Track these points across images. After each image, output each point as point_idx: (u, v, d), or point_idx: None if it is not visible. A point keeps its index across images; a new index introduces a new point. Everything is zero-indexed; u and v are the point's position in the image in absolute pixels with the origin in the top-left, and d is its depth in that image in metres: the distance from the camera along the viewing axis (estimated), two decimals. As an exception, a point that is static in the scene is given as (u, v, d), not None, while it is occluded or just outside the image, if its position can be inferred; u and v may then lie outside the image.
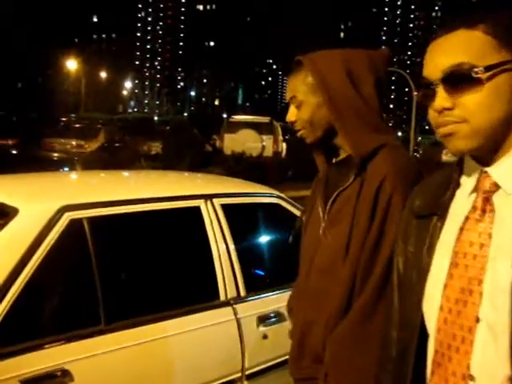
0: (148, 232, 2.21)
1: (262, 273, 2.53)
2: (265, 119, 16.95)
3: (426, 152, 22.63)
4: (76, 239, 1.89)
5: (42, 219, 1.80)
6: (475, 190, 0.92)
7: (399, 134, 47.87)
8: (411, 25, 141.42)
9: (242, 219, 2.52)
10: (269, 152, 15.85)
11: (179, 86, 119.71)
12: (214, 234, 2.27)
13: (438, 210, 0.97)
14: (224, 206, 2.37)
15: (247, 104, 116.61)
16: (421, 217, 1.02)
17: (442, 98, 0.87)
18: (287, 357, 2.39)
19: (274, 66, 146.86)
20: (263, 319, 2.30)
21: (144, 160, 11.13)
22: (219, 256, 2.24)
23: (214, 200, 2.35)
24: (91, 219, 1.93)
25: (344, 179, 1.36)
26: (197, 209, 2.29)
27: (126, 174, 3.24)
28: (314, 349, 1.37)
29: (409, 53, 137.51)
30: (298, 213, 2.71)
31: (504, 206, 0.86)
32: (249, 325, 2.24)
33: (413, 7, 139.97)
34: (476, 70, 0.84)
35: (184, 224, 2.32)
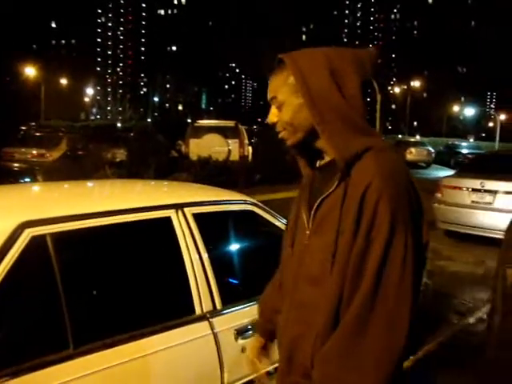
0: (116, 246, 2.09)
1: (237, 283, 2.43)
2: (230, 123, 16.87)
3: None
4: (39, 257, 1.76)
5: (-1, 237, 1.66)
6: None
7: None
8: (371, 27, 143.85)
9: (215, 228, 2.42)
10: (235, 156, 15.78)
11: (142, 92, 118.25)
12: (187, 245, 2.17)
13: None
14: (196, 216, 2.27)
15: (211, 108, 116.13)
16: None
17: None
18: (267, 369, 2.34)
19: (237, 70, 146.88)
20: (241, 332, 2.21)
21: (109, 167, 10.87)
22: (193, 268, 2.14)
23: (186, 209, 2.25)
24: (55, 235, 1.80)
25: (328, 185, 1.29)
26: (167, 219, 2.18)
27: (90, 184, 3.09)
28: (303, 364, 1.29)
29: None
30: (272, 219, 2.64)
31: None
32: (227, 338, 2.15)
33: (372, 10, 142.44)
34: None
35: (154, 236, 2.21)
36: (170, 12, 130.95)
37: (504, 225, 7.46)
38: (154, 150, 13.23)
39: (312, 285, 1.29)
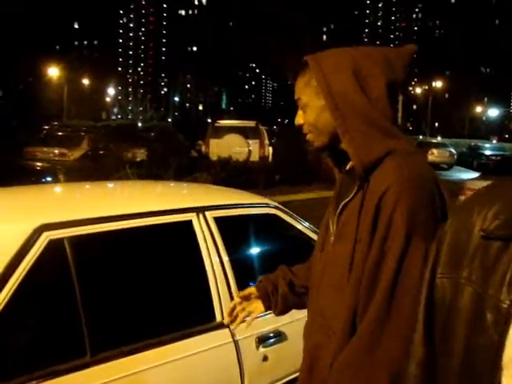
0: (136, 251, 2.03)
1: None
2: (250, 123, 16.81)
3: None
4: (56, 262, 1.71)
5: (16, 241, 1.62)
6: None
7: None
8: (392, 27, 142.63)
9: (236, 233, 2.36)
10: (255, 157, 15.73)
11: (163, 92, 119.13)
12: (208, 249, 2.11)
13: None
14: (217, 219, 2.21)
15: (231, 108, 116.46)
16: (491, 238, 0.83)
17: None
18: (289, 378, 2.27)
19: (257, 70, 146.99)
20: (263, 340, 2.14)
21: (129, 167, 10.88)
22: (214, 274, 2.08)
23: (207, 213, 2.19)
24: (73, 239, 1.76)
25: (349, 190, 1.26)
26: (188, 223, 2.12)
27: (110, 185, 3.05)
28: (323, 373, 1.25)
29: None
30: (295, 223, 2.56)
31: None
32: (248, 347, 2.08)
33: (394, 9, 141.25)
34: None
35: (175, 240, 2.15)
36: (190, 12, 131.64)
37: None
38: (175, 149, 13.25)
39: (333, 293, 1.28)
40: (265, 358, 2.13)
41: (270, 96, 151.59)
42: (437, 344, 0.92)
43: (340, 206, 1.28)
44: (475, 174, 16.66)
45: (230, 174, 12.91)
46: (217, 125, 16.55)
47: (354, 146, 1.22)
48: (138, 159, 13.57)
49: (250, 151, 15.67)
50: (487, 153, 29.56)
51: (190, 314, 2.03)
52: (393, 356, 1.12)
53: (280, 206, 2.59)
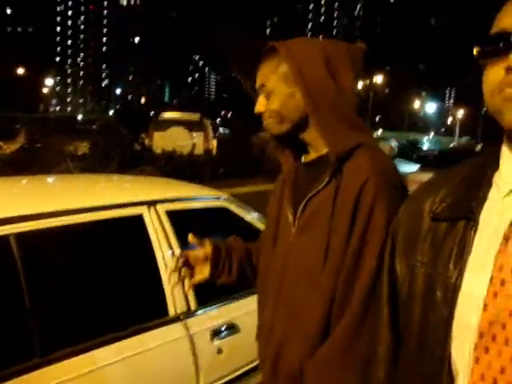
0: (85, 246, 1.97)
1: (211, 283, 2.34)
2: (194, 116, 16.65)
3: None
4: (2, 260, 1.63)
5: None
6: None
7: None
8: (335, 22, 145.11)
9: (188, 226, 2.32)
10: (199, 149, 15.62)
11: (104, 84, 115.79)
12: (160, 243, 2.08)
13: (468, 213, 0.83)
14: (169, 213, 2.18)
15: (174, 101, 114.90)
16: (440, 220, 0.88)
17: None
18: (243, 370, 2.28)
19: (200, 63, 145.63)
20: (216, 333, 2.14)
21: (71, 161, 10.52)
22: (166, 268, 2.05)
23: (158, 206, 2.15)
24: (19, 235, 1.68)
25: (317, 182, 1.24)
26: (139, 217, 2.08)
27: (54, 179, 2.93)
28: (290, 369, 1.23)
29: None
30: (246, 215, 2.56)
31: None
32: (202, 340, 2.07)
33: (336, 5, 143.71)
34: None
35: (125, 235, 2.10)
36: (132, 2, 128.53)
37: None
38: (118, 143, 12.91)
39: (300, 284, 1.25)
40: (219, 351, 2.13)
41: (213, 89, 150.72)
42: (400, 330, 0.96)
43: (306, 198, 1.25)
44: (415, 166, 17.26)
45: (175, 167, 12.76)
46: (160, 117, 16.28)
47: (329, 135, 1.23)
48: (80, 153, 13.13)
49: (194, 144, 15.54)
50: (425, 146, 30.78)
51: (144, 309, 1.99)
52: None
53: (231, 199, 2.58)
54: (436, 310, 0.83)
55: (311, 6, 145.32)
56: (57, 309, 1.79)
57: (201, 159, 14.63)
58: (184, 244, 2.16)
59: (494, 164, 0.86)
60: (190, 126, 15.55)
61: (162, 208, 2.15)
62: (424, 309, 0.87)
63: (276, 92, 1.28)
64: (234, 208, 2.52)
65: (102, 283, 1.95)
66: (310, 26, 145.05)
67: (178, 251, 2.11)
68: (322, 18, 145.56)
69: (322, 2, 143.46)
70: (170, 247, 2.09)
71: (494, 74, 0.78)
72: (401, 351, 0.96)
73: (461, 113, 52.57)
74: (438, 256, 0.85)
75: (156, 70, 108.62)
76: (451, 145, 33.37)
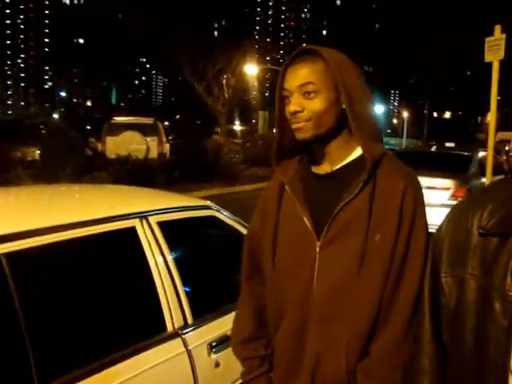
0: (78, 264, 1.86)
1: (207, 294, 2.29)
2: (148, 120, 16.39)
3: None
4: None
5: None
6: None
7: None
8: (282, 25, 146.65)
9: (181, 237, 2.27)
10: (154, 154, 15.38)
11: (47, 86, 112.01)
12: (154, 256, 2.00)
13: None
14: (161, 224, 2.11)
15: (122, 104, 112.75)
16: (489, 235, 0.91)
17: None
18: (239, 382, 2.23)
19: (148, 65, 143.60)
20: (214, 346, 2.08)
21: (21, 168, 10.09)
22: (161, 281, 1.98)
23: (150, 218, 2.08)
24: (7, 254, 1.57)
25: (344, 192, 1.26)
26: (132, 230, 2.00)
27: (37, 192, 2.75)
28: (336, 374, 1.25)
29: (281, 52, 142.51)
30: (234, 224, 2.53)
31: None
32: (200, 354, 2.02)
33: (283, 8, 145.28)
34: None
35: (119, 249, 2.01)
36: (76, 1, 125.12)
37: (427, 219, 7.85)
38: (69, 148, 12.49)
39: (336, 295, 1.25)
40: (217, 364, 2.07)
41: (160, 92, 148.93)
42: (447, 340, 0.97)
43: (338, 207, 1.25)
44: None
45: (130, 172, 12.48)
46: (113, 121, 15.91)
47: (365, 142, 1.26)
48: (29, 158, 12.64)
49: (148, 148, 15.28)
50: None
51: (141, 326, 1.91)
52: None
53: (218, 207, 2.54)
54: (495, 322, 0.85)
55: (259, 9, 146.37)
56: (47, 332, 1.66)
57: (155, 163, 14.39)
58: (177, 255, 2.12)
59: None
60: (144, 130, 15.29)
61: (153, 219, 2.08)
62: (480, 320, 0.89)
63: (322, 94, 1.26)
64: (222, 216, 2.48)
65: (99, 301, 1.85)
66: (257, 28, 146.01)
67: (172, 264, 2.05)
68: (270, 20, 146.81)
69: (270, 4, 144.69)
70: (165, 260, 2.02)
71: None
72: (452, 362, 0.96)
73: (405, 114, 54.26)
74: (492, 269, 0.88)
75: (101, 72, 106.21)
76: (403, 146, 34.47)
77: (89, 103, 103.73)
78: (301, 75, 1.26)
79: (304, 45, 1.32)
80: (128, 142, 14.61)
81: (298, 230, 1.32)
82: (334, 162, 1.32)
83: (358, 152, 1.32)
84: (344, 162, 1.32)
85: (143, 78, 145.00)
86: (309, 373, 1.28)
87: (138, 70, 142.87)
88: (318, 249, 1.28)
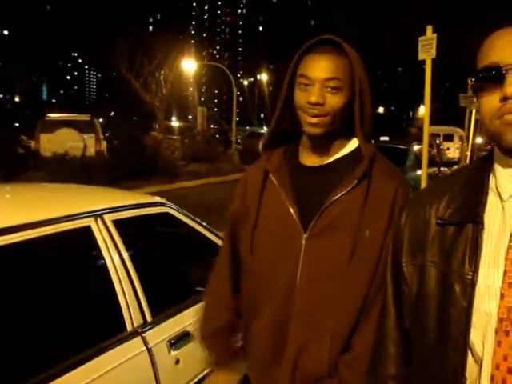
0: (32, 265, 1.81)
1: (164, 291, 2.28)
2: (84, 117, 15.93)
3: (245, 142, 23.58)
4: None
5: None
6: None
7: (213, 126, 48.67)
8: (218, 20, 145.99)
9: (136, 234, 2.24)
10: (91, 151, 14.96)
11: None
12: (110, 255, 1.97)
13: (476, 217, 0.93)
14: (116, 222, 2.08)
15: (53, 100, 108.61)
16: (446, 225, 0.97)
17: None
18: (199, 377, 2.24)
19: (80, 60, 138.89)
20: (173, 343, 2.08)
21: None
22: (119, 280, 1.95)
23: (105, 216, 2.04)
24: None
25: (336, 186, 1.26)
26: (87, 229, 1.96)
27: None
28: (317, 367, 1.26)
29: (217, 47, 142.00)
30: (188, 221, 2.53)
31: None
32: (161, 352, 2.01)
33: (219, 3, 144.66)
34: None
35: (74, 249, 1.96)
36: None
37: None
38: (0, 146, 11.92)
39: (321, 288, 1.26)
40: (177, 361, 2.07)
41: (94, 87, 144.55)
42: (410, 325, 1.03)
43: (328, 201, 1.25)
44: None
45: (67, 171, 12.06)
46: (47, 118, 15.33)
47: (364, 141, 1.29)
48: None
49: (85, 146, 14.85)
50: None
51: (101, 327, 1.87)
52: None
53: (170, 204, 2.52)
54: (456, 303, 0.92)
55: (194, 3, 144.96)
56: (11, 339, 1.60)
57: (93, 161, 14.00)
58: (134, 253, 2.09)
59: (486, 172, 0.97)
60: (80, 127, 14.83)
61: (108, 218, 2.05)
62: (441, 303, 0.95)
63: (344, 91, 1.25)
64: (176, 213, 2.46)
65: (56, 304, 1.80)
66: (193, 23, 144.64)
67: (129, 262, 2.02)
68: (206, 15, 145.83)
69: (206, 0, 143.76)
70: (121, 258, 1.99)
71: (490, 102, 0.90)
72: (416, 346, 1.02)
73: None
74: (451, 256, 0.95)
75: (30, 66, 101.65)
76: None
77: (17, 99, 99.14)
78: (329, 68, 1.23)
79: (326, 35, 1.28)
80: (64, 140, 14.13)
81: (282, 220, 1.30)
82: (325, 155, 1.32)
83: (349, 147, 1.33)
84: (336, 157, 1.33)
85: (76, 73, 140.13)
86: (290, 365, 1.27)
87: (69, 64, 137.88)
88: (303, 241, 1.27)
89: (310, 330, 1.26)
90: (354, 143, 1.35)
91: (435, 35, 6.57)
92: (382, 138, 16.80)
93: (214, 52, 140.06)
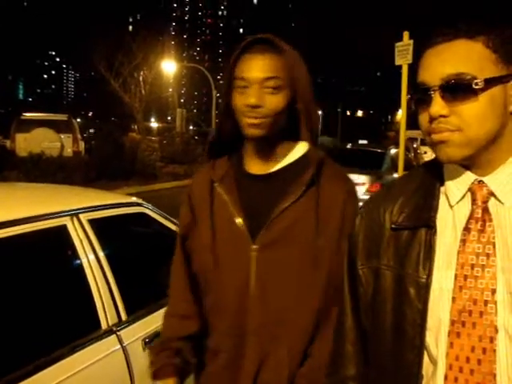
0: (6, 264, 1.80)
1: (138, 290, 2.29)
2: (62, 116, 15.77)
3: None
4: None
5: None
6: (463, 198, 0.93)
7: (192, 127, 48.52)
8: (199, 22, 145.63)
9: (112, 234, 2.25)
10: (68, 151, 14.80)
11: None
12: (86, 254, 1.98)
13: (428, 222, 0.95)
14: (92, 222, 2.09)
15: (30, 99, 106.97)
16: (400, 229, 0.99)
17: (438, 105, 0.87)
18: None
19: (58, 59, 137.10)
20: (148, 341, 2.10)
21: None
22: (94, 279, 1.97)
23: (81, 216, 2.05)
24: None
25: (285, 194, 1.22)
26: (63, 228, 1.97)
27: None
28: (279, 377, 1.23)
29: (197, 49, 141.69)
30: (163, 220, 2.54)
31: (499, 215, 0.89)
32: (135, 351, 2.02)
33: (200, 5, 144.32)
34: (476, 81, 0.85)
35: (50, 248, 1.97)
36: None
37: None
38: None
39: (276, 301, 1.22)
40: (152, 360, 2.09)
41: (72, 87, 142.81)
42: (367, 325, 1.05)
43: (279, 210, 1.21)
44: None
45: (44, 171, 11.92)
46: (23, 118, 15.12)
47: (311, 144, 1.25)
48: None
49: (62, 146, 14.70)
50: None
51: (75, 325, 1.88)
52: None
53: (146, 204, 2.54)
54: (411, 305, 0.94)
55: (175, 4, 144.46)
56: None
57: (71, 162, 13.85)
58: (110, 252, 2.11)
59: (438, 178, 0.99)
60: (58, 127, 14.67)
61: (84, 217, 2.06)
62: (397, 305, 0.97)
63: (284, 90, 1.20)
64: (151, 213, 2.48)
65: (30, 302, 1.81)
66: (174, 24, 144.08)
67: (105, 261, 2.04)
68: (187, 16, 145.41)
69: (187, 1, 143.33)
70: (97, 257, 2.01)
71: (423, 119, 0.92)
72: (372, 345, 1.04)
73: (319, 113, 55.88)
74: (406, 260, 0.96)
75: (5, 64, 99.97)
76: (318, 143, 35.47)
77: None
78: (267, 67, 1.18)
79: (263, 34, 1.22)
80: (40, 139, 13.98)
81: (231, 232, 1.26)
82: (272, 162, 1.27)
83: (297, 153, 1.28)
84: (283, 164, 1.27)
85: (53, 72, 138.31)
86: (250, 381, 1.24)
87: (47, 63, 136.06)
88: (253, 252, 1.23)
89: (267, 345, 1.23)
90: (302, 148, 1.29)
91: (411, 41, 6.71)
92: (361, 142, 16.98)
93: (195, 53, 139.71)
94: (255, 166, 1.29)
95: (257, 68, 1.17)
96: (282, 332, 1.22)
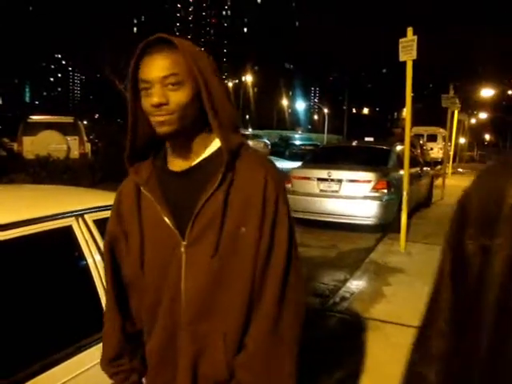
0: (13, 265, 1.82)
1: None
2: (68, 119, 15.80)
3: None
4: None
5: None
6: None
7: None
8: (203, 22, 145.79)
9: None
10: (74, 154, 14.87)
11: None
12: (92, 255, 1.99)
13: None
14: (97, 222, 2.10)
15: (36, 102, 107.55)
16: None
17: None
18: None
19: (64, 62, 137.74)
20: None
21: None
22: (100, 279, 1.97)
23: (86, 216, 2.06)
24: None
25: (203, 187, 1.23)
26: (68, 229, 1.98)
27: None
28: (216, 371, 1.25)
29: (202, 49, 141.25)
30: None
31: None
32: (142, 350, 2.03)
33: (204, 5, 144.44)
34: None
35: (55, 249, 1.98)
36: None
37: (350, 210, 8.23)
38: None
39: (205, 293, 1.24)
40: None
41: (78, 89, 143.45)
42: (465, 307, 0.91)
43: (200, 204, 1.22)
44: (289, 162, 17.61)
45: (51, 173, 11.99)
46: (30, 120, 15.18)
47: (223, 133, 1.24)
48: None
49: (69, 148, 14.76)
50: (297, 142, 32.31)
51: (81, 325, 1.89)
52: (292, 332, 1.26)
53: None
54: None
55: (179, 5, 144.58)
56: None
57: (77, 164, 13.92)
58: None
59: None
60: (64, 129, 14.73)
61: (89, 218, 2.07)
62: (505, 292, 0.83)
63: (186, 85, 1.21)
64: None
65: (36, 304, 1.82)
66: (178, 24, 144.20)
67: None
68: (191, 16, 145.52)
69: (191, 1, 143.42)
70: (103, 257, 2.02)
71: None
72: (464, 343, 0.90)
73: (326, 111, 55.88)
74: None
75: (11, 67, 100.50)
76: (325, 141, 35.69)
77: None
78: (163, 66, 1.20)
79: (157, 34, 1.23)
80: (47, 142, 14.05)
81: (162, 232, 1.27)
82: (191, 157, 1.29)
83: (215, 145, 1.29)
84: (202, 157, 1.29)
85: (59, 75, 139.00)
86: (188, 377, 1.25)
87: (53, 66, 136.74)
88: (183, 248, 1.25)
89: (201, 339, 1.25)
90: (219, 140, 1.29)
91: (415, 37, 6.67)
92: (367, 139, 16.95)
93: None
94: (176, 163, 1.31)
95: (156, 68, 1.20)
96: (216, 324, 1.24)
